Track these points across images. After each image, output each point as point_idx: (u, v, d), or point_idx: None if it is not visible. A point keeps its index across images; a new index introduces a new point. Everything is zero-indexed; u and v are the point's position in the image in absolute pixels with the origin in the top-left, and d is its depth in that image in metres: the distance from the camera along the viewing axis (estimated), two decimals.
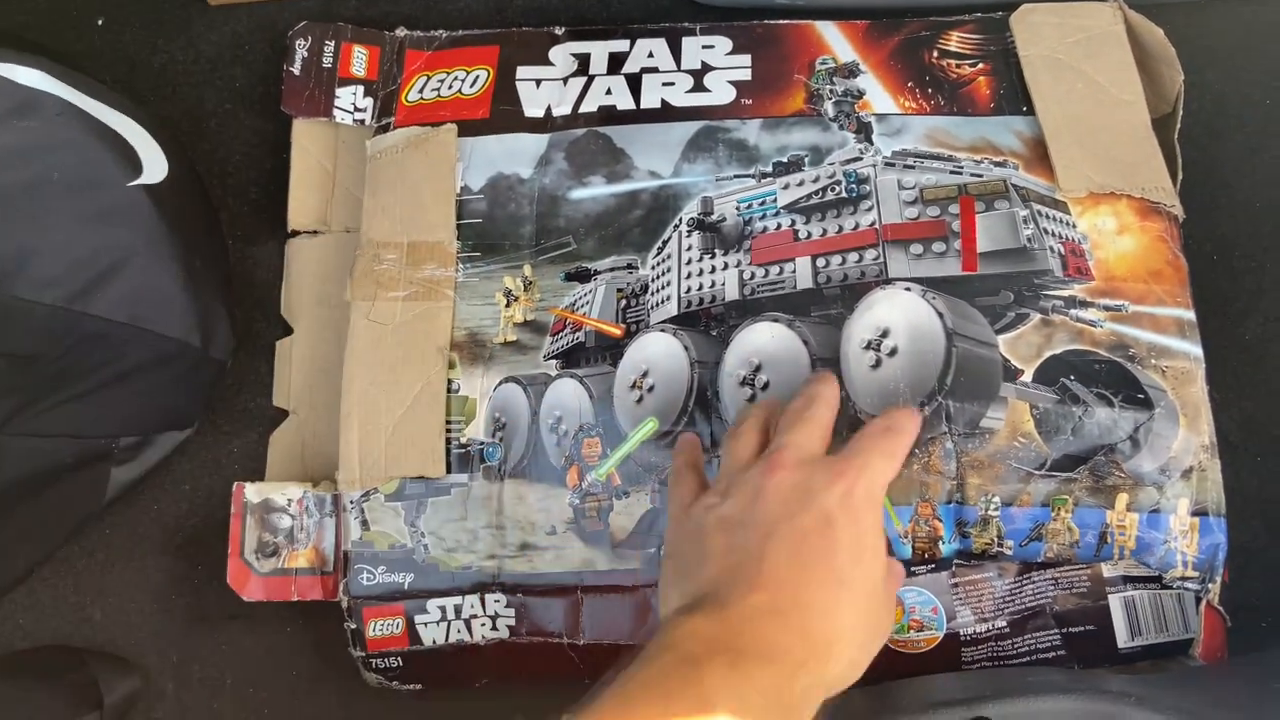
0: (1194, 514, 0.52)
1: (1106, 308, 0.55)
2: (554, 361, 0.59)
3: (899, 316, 0.55)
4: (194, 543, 0.64)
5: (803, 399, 0.48)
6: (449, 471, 0.57)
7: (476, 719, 0.58)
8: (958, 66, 0.63)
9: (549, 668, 0.57)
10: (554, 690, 0.59)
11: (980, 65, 0.63)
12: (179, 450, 0.64)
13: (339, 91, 0.67)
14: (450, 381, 0.59)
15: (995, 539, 0.53)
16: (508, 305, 0.60)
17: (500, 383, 0.58)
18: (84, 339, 0.55)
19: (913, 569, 0.53)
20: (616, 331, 0.59)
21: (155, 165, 0.61)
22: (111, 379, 0.57)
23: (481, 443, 0.58)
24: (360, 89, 0.67)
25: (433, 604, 0.56)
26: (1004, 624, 0.53)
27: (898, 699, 0.47)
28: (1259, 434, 0.61)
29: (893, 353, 0.55)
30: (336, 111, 0.67)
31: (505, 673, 0.58)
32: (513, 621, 0.56)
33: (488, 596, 0.56)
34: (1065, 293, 0.55)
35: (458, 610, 0.56)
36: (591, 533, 0.56)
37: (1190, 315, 0.55)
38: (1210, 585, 0.51)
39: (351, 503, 0.57)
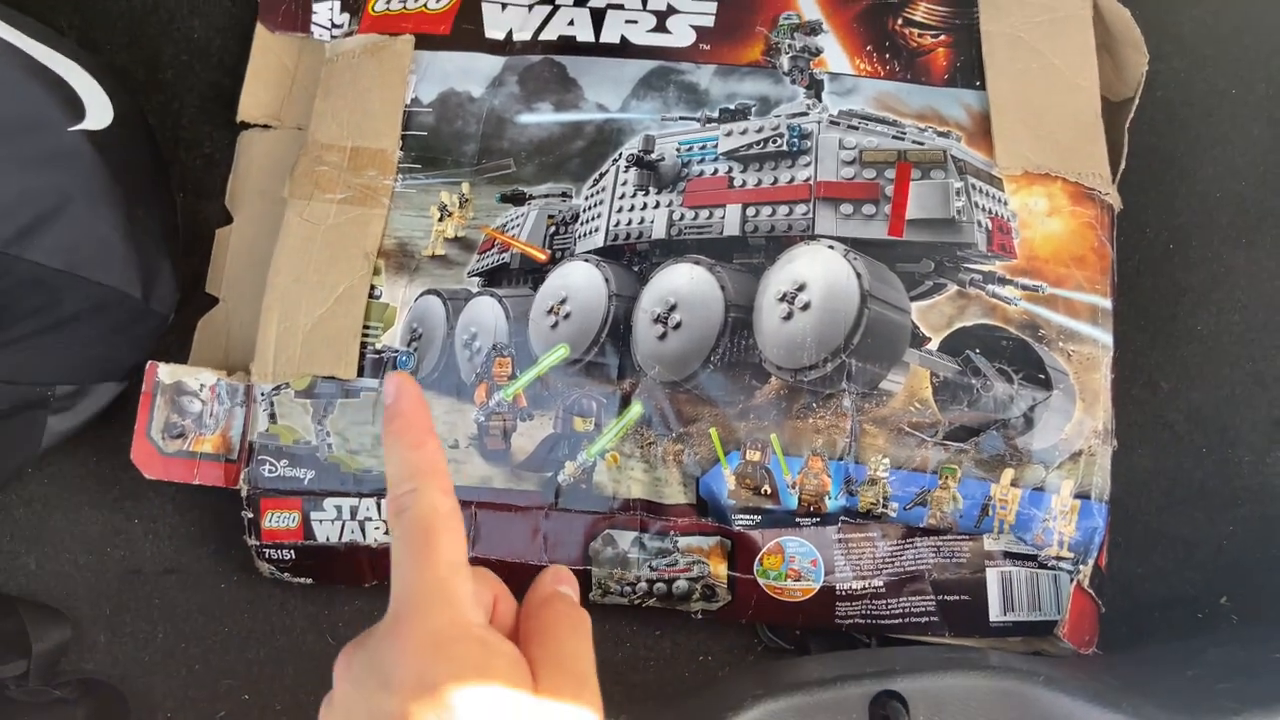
0: (1077, 496, 0.52)
1: (1024, 287, 0.55)
2: (477, 279, 0.59)
3: (818, 272, 0.56)
4: (130, 497, 0.63)
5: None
6: (361, 375, 0.58)
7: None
8: (919, 35, 0.63)
9: None
10: None
11: (942, 37, 0.63)
12: (117, 404, 0.62)
13: (316, 7, 0.67)
14: (373, 287, 0.59)
15: (880, 500, 0.53)
16: (440, 219, 0.61)
17: (421, 294, 0.59)
18: (18, 284, 0.53)
19: (798, 520, 0.54)
20: (542, 256, 0.59)
21: (99, 111, 0.59)
22: (47, 326, 0.56)
23: (396, 350, 0.58)
24: (337, 4, 0.67)
25: (330, 503, 0.57)
26: (880, 584, 0.54)
27: (808, 672, 0.47)
28: (1205, 426, 0.61)
29: (806, 307, 0.55)
30: (314, 28, 0.67)
31: None
32: None
33: (384, 502, 0.57)
34: (986, 268, 0.56)
35: (354, 511, 0.57)
36: (493, 451, 0.57)
37: (1107, 304, 0.55)
38: (1082, 567, 0.52)
39: (262, 394, 0.58)
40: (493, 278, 0.59)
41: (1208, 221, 0.64)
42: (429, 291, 0.59)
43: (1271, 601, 0.56)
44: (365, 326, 0.58)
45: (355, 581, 0.59)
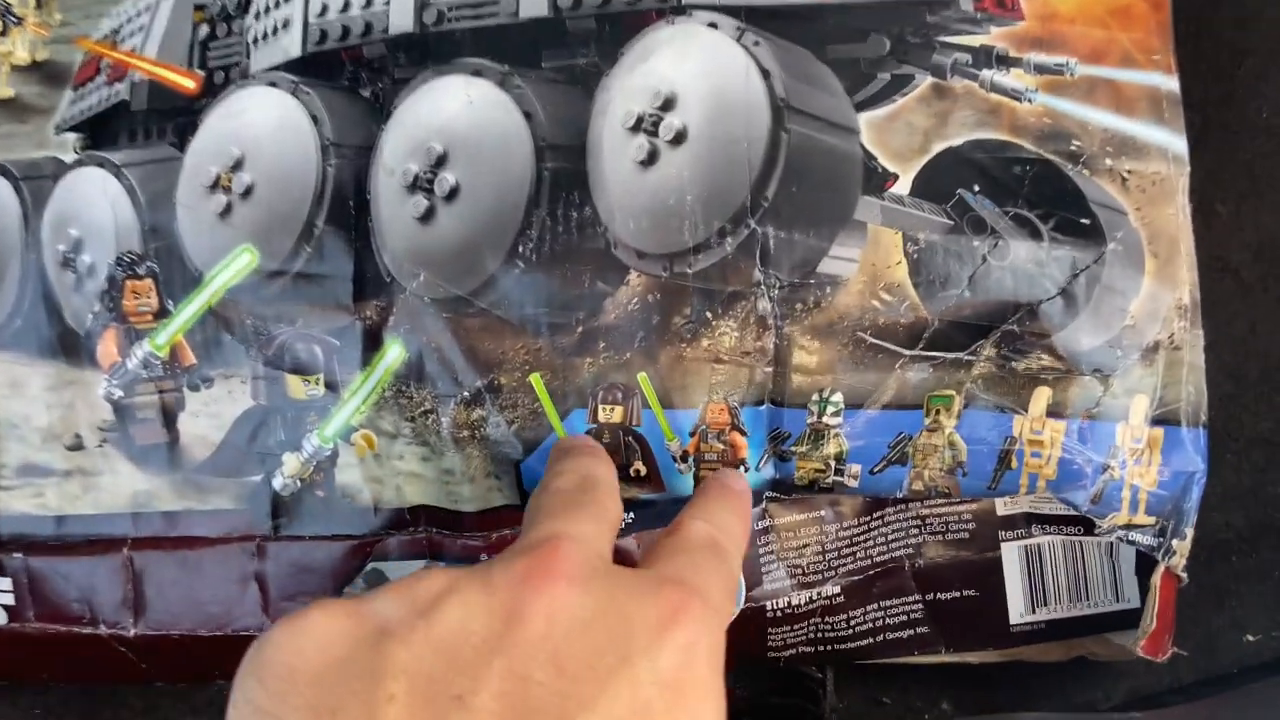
0: (1156, 422, 0.31)
1: (1040, 68, 0.32)
2: (73, 136, 0.32)
3: (695, 74, 0.31)
4: None
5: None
6: None
7: None
8: None
9: (89, 669, 0.33)
10: (109, 693, 0.37)
11: None
12: None
13: None
14: None
15: (832, 462, 0.31)
16: (4, 31, 0.33)
17: None
18: None
19: None
20: (189, 84, 0.33)
21: None
22: None
23: None
24: None
25: None
26: (836, 590, 0.33)
27: None
28: None
29: (679, 138, 0.31)
30: None
31: (16, 672, 0.34)
32: (11, 599, 0.32)
33: None
34: (977, 40, 0.32)
35: None
36: (147, 447, 0.32)
37: (1173, 84, 0.33)
38: (1175, 542, 0.31)
39: None
40: (103, 132, 0.32)
41: None
42: None
43: None
44: None
45: None
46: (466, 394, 0.31)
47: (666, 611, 0.20)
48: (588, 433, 0.31)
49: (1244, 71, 0.41)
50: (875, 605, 0.34)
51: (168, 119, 0.32)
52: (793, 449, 0.31)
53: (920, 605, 0.34)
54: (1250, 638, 0.37)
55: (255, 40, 0.33)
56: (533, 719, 0.18)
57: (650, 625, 0.20)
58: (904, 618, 0.34)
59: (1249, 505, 0.39)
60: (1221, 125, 0.41)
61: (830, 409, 0.31)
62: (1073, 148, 0.32)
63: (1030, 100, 0.32)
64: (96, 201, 0.32)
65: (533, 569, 0.20)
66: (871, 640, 0.34)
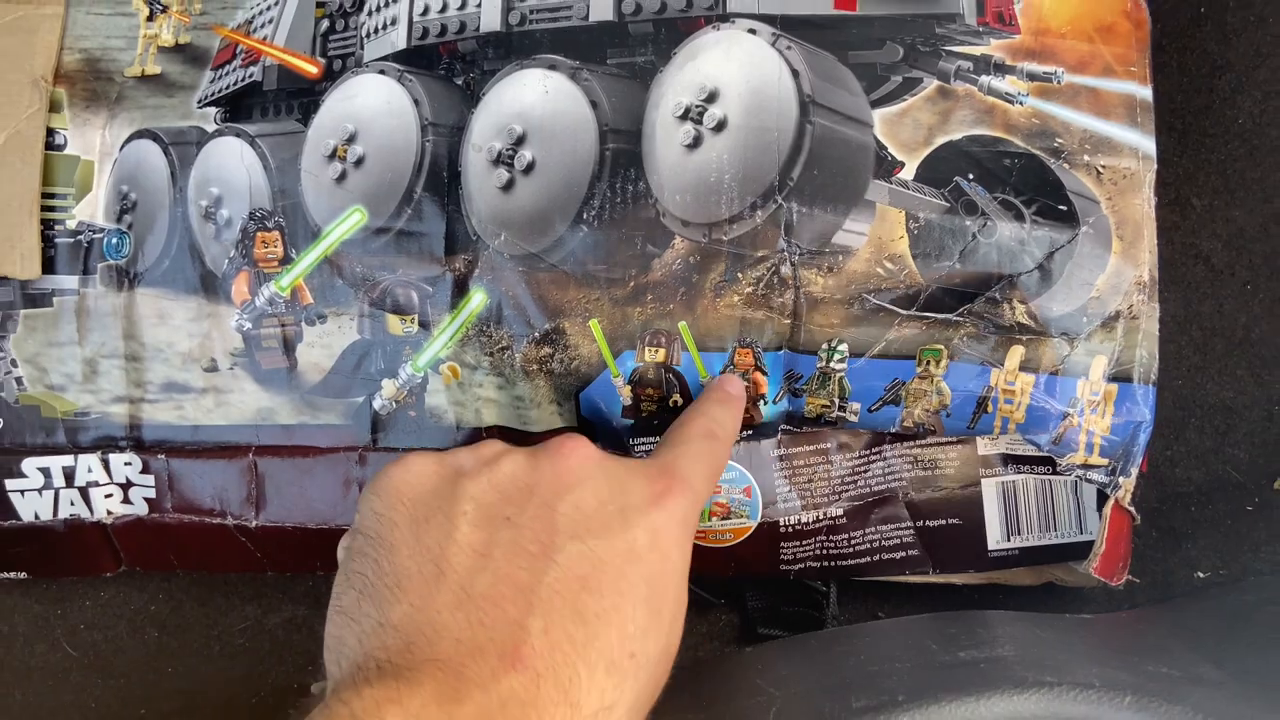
0: (1112, 379, 0.37)
1: (1032, 75, 0.38)
2: (214, 110, 0.39)
3: (735, 72, 0.37)
4: None
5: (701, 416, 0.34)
6: (50, 271, 0.38)
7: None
8: None
9: (212, 556, 0.40)
10: (221, 582, 0.44)
11: None
12: None
13: None
14: (53, 133, 0.38)
15: (836, 400, 0.37)
16: (151, 17, 0.39)
17: (130, 138, 0.38)
18: None
19: None
20: (312, 69, 0.39)
21: None
22: None
23: (99, 230, 0.38)
24: None
25: (31, 464, 0.38)
26: (839, 512, 0.39)
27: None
28: (1250, 252, 0.45)
29: (720, 127, 0.37)
30: None
31: (148, 559, 0.41)
32: (153, 494, 0.39)
33: (114, 457, 0.38)
34: (978, 50, 0.38)
35: (69, 475, 0.39)
36: (271, 371, 0.38)
37: (1146, 93, 0.38)
38: (1122, 480, 0.37)
39: None
40: (239, 107, 0.39)
41: None
42: (141, 134, 0.38)
43: None
44: (47, 195, 0.38)
45: (90, 571, 0.41)
46: (537, 335, 0.37)
47: (659, 490, 0.29)
48: (634, 373, 0.37)
49: (1222, 84, 0.46)
50: (873, 528, 0.40)
51: (294, 98, 0.39)
52: (803, 387, 0.37)
53: (912, 530, 0.40)
54: (1200, 575, 0.43)
55: (368, 34, 0.39)
56: (556, 535, 0.26)
57: (645, 498, 0.28)
58: (897, 540, 0.40)
59: (1209, 463, 0.45)
60: (1200, 131, 0.46)
61: (837, 356, 0.37)
62: (1056, 144, 0.37)
63: (1021, 103, 0.38)
64: (234, 166, 0.38)
65: (563, 446, 0.29)
66: (869, 559, 0.40)
